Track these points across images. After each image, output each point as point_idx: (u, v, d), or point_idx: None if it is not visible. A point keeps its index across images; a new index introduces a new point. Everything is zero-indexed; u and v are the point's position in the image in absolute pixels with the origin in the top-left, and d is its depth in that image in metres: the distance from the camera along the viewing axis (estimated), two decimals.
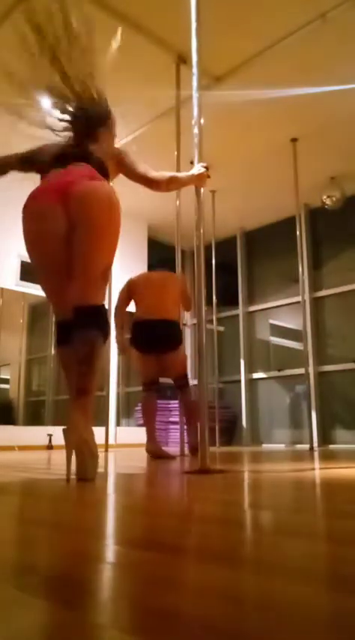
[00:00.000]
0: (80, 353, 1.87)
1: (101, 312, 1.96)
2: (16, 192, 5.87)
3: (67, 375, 2.07)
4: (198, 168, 2.44)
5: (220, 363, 7.25)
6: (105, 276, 2.01)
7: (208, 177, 2.48)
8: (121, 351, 3.76)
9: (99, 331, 1.90)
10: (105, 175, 2.13)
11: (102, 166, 2.13)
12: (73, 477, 1.81)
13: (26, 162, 2.23)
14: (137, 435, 6.66)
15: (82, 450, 1.78)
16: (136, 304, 3.76)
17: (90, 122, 2.24)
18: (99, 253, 1.95)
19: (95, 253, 1.94)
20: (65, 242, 1.95)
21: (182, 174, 2.47)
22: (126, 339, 3.73)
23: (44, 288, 2.09)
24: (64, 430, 1.80)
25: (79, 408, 1.81)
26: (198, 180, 2.44)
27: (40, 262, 2.03)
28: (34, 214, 2.00)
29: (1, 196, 5.77)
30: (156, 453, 3.55)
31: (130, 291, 3.75)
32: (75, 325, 1.90)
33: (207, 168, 2.47)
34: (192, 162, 2.51)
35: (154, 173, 2.23)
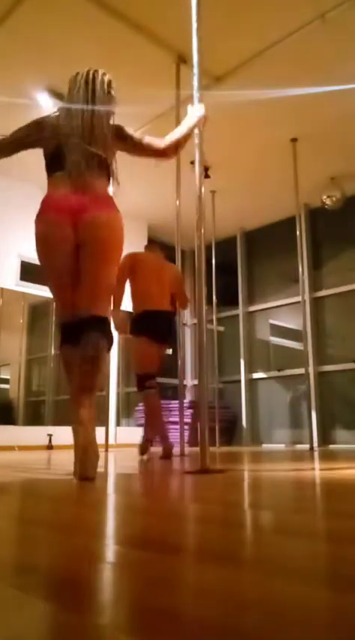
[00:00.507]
0: (87, 355, 2.00)
1: (106, 323, 2.14)
2: (17, 193, 5.89)
3: (69, 375, 2.13)
4: (198, 109, 2.41)
5: (220, 363, 7.25)
6: (110, 290, 2.20)
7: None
8: (119, 328, 3.59)
9: (105, 338, 2.07)
10: (107, 168, 2.19)
11: (104, 162, 2.18)
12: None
13: (26, 145, 2.24)
14: (137, 435, 6.66)
15: (88, 449, 1.84)
16: (134, 287, 3.67)
17: (93, 114, 2.21)
18: (104, 274, 2.12)
19: (101, 274, 2.11)
20: (71, 251, 2.08)
21: (183, 128, 2.37)
22: (125, 316, 3.67)
23: (51, 290, 2.21)
24: (73, 429, 1.87)
25: (86, 405, 1.91)
26: (201, 124, 2.43)
27: (48, 265, 2.15)
28: (45, 222, 2.11)
29: (1, 197, 5.77)
30: (168, 453, 3.53)
31: (131, 267, 3.64)
32: (84, 331, 2.04)
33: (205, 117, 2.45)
34: (192, 162, 2.50)
35: (159, 143, 2.25)
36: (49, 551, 0.76)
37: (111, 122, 2.25)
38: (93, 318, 2.06)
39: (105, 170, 2.19)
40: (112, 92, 2.29)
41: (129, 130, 2.26)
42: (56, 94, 4.45)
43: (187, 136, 2.38)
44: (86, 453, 1.83)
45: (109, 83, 2.29)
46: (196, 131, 2.47)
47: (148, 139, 2.25)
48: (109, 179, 2.23)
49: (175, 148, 2.30)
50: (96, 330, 2.04)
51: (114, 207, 2.15)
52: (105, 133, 2.18)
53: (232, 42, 3.97)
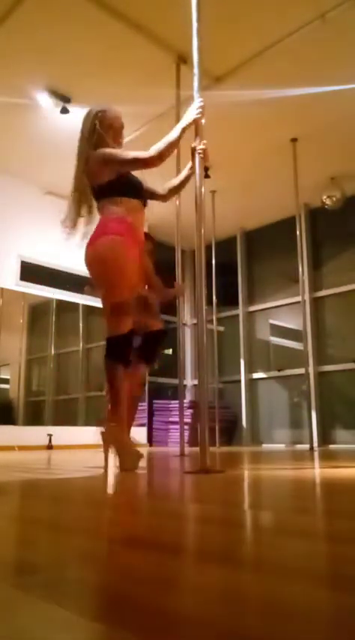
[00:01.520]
0: (106, 376, 2.39)
1: (108, 344, 2.38)
2: (17, 193, 5.89)
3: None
4: (192, 111, 2.41)
5: (220, 363, 7.25)
6: (115, 308, 2.35)
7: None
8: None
9: (112, 360, 2.36)
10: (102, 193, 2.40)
11: (98, 190, 2.40)
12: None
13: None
14: (137, 435, 6.66)
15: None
16: None
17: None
18: (105, 300, 2.41)
19: (104, 299, 2.42)
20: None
21: (169, 137, 2.41)
22: None
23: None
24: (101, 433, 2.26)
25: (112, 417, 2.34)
26: (198, 122, 2.43)
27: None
28: None
29: (2, 197, 5.77)
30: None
31: None
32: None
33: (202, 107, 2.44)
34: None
35: (144, 155, 2.36)
36: (49, 551, 0.76)
37: (94, 151, 2.39)
38: (107, 341, 2.38)
39: (103, 195, 2.38)
40: (96, 125, 2.43)
41: (112, 151, 2.38)
42: (56, 94, 4.45)
43: (175, 142, 2.43)
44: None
45: (96, 115, 2.45)
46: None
47: (133, 154, 2.36)
48: (108, 200, 2.38)
49: (159, 157, 2.36)
50: (108, 354, 2.36)
51: (101, 231, 2.33)
52: (83, 166, 2.39)
53: (232, 42, 3.97)
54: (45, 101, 4.53)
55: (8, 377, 6.17)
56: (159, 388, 7.24)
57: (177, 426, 4.48)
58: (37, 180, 5.86)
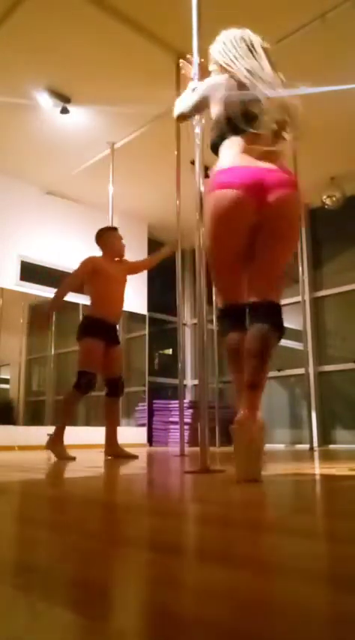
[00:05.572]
0: (253, 348, 1.86)
1: (278, 311, 1.98)
2: (17, 193, 5.87)
3: (232, 363, 1.96)
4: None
5: (220, 363, 7.24)
6: (283, 276, 2.03)
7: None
8: (45, 316, 3.96)
9: (275, 329, 1.93)
10: None
11: None
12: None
13: None
14: (137, 435, 6.66)
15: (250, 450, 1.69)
16: (95, 293, 3.78)
17: None
18: (285, 258, 2.00)
19: (282, 258, 1.99)
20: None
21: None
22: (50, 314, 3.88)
23: (218, 272, 2.11)
24: (233, 429, 1.71)
25: (249, 404, 1.75)
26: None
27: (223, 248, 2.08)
28: None
29: (1, 197, 5.77)
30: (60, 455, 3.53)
31: (94, 271, 3.68)
32: (252, 320, 1.93)
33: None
34: (192, 162, 2.50)
35: None
36: (49, 551, 0.76)
37: None
38: (266, 304, 1.94)
39: None
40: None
41: None
42: (56, 94, 4.45)
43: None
44: (248, 454, 1.67)
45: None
46: (197, 130, 2.46)
47: None
48: None
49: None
50: (266, 321, 1.91)
51: None
52: None
53: None
54: (45, 101, 4.52)
55: (8, 377, 6.17)
56: (159, 388, 7.24)
57: (177, 426, 4.48)
58: (37, 180, 5.86)
